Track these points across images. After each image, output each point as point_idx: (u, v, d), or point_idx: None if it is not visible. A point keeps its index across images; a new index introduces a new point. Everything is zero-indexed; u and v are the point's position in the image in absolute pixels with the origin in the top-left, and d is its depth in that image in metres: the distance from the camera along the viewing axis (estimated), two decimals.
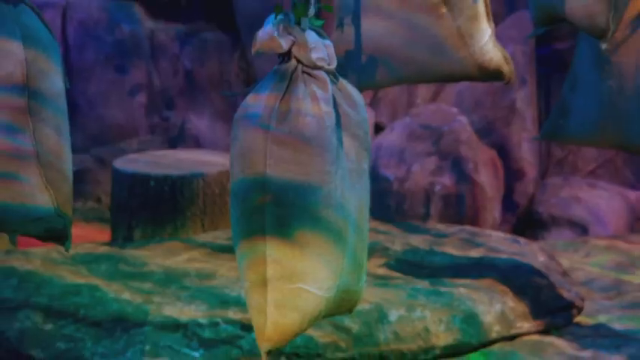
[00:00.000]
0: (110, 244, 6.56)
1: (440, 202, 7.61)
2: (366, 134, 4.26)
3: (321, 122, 4.19)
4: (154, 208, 6.62)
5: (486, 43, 5.57)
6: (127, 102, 8.28)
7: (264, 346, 4.10)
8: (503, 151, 7.78)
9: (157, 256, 6.13)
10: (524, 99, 7.97)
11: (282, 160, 4.16)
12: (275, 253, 4.21)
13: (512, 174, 7.79)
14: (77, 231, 7.72)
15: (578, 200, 7.61)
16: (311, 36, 4.22)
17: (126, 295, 5.56)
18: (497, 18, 7.67)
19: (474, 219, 7.64)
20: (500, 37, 7.93)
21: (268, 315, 4.20)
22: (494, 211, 7.86)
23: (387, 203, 7.60)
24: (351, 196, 4.34)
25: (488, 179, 7.81)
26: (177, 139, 8.30)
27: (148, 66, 8.32)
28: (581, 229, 7.68)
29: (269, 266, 4.20)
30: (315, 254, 4.24)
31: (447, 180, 7.52)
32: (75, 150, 8.08)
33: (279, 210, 4.19)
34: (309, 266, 4.25)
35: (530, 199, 7.77)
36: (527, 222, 7.80)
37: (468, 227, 7.10)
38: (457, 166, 7.70)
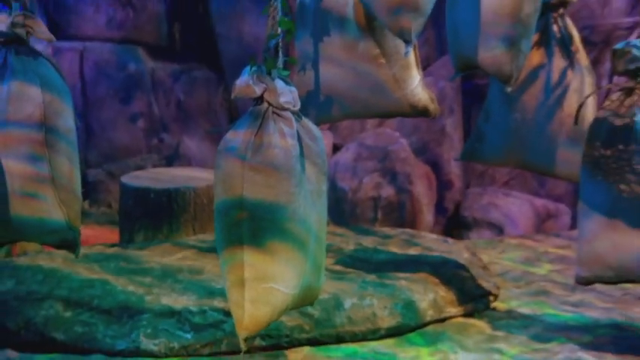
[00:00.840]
0: (117, 245, 6.54)
1: (385, 209, 7.55)
2: (323, 162, 4.52)
3: (288, 153, 4.28)
4: (153, 216, 6.61)
5: (416, 87, 5.52)
6: (131, 127, 8.30)
7: (242, 334, 4.32)
8: (436, 167, 7.78)
9: (156, 255, 6.12)
10: (452, 124, 7.96)
11: (256, 184, 4.24)
12: (250, 259, 4.28)
13: (442, 185, 7.79)
14: (93, 232, 7.79)
15: (495, 206, 7.65)
16: (279, 84, 4.31)
17: (130, 288, 5.54)
18: (430, 59, 7.54)
19: (412, 223, 7.61)
20: (433, 75, 8.06)
21: (245, 309, 4.30)
22: (428, 215, 7.86)
23: (343, 210, 7.61)
24: (312, 212, 4.44)
25: (423, 189, 7.81)
26: (173, 157, 8.31)
27: (149, 98, 8.35)
28: (498, 229, 7.71)
29: (246, 270, 4.29)
30: (283, 260, 4.32)
31: (390, 191, 7.48)
32: (90, 165, 8.28)
33: (253, 224, 4.27)
34: (278, 270, 4.32)
35: (457, 205, 7.78)
36: (454, 224, 7.81)
37: (407, 230, 7.14)
38: (398, 179, 7.68)
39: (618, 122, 5.09)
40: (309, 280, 4.41)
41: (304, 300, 4.58)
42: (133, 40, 8.29)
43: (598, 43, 8.23)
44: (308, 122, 4.38)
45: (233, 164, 4.22)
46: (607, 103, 5.17)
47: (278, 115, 4.19)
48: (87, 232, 7.74)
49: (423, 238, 6.76)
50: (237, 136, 4.23)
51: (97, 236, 7.58)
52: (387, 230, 7.09)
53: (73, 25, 8.17)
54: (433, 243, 6.61)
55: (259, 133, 4.18)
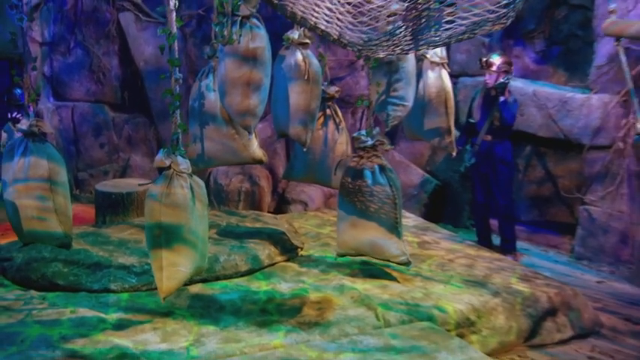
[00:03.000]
0: (94, 225, 6.34)
1: (244, 195, 7.29)
2: (206, 199, 4.33)
3: (185, 197, 4.18)
4: (114, 208, 6.34)
5: (255, 149, 5.40)
6: (101, 150, 8.02)
7: (161, 296, 4.27)
8: (272, 171, 7.51)
9: (115, 232, 5.96)
10: (281, 149, 7.73)
11: (167, 214, 4.15)
12: (165, 255, 4.21)
13: (275, 181, 7.55)
14: (82, 209, 7.86)
15: (303, 192, 7.40)
16: (179, 159, 4.21)
17: (101, 253, 5.43)
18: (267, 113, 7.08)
19: (259, 203, 7.36)
20: (268, 121, 7.35)
21: (163, 283, 4.24)
22: (268, 198, 7.58)
23: (220, 197, 7.36)
24: (199, 227, 4.32)
25: (265, 184, 7.53)
26: (125, 167, 8.03)
27: (110, 133, 8.07)
28: (305, 205, 7.46)
29: (163, 261, 4.22)
30: (183, 254, 4.24)
31: (247, 185, 7.27)
32: (80, 170, 8.19)
33: (166, 236, 4.18)
34: (180, 260, 4.24)
35: (283, 191, 7.55)
36: (282, 202, 7.55)
37: (255, 211, 6.89)
38: (252, 178, 7.43)
39: (358, 168, 5.10)
40: (198, 263, 4.33)
41: (196, 273, 4.48)
42: (101, 101, 7.98)
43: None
44: (196, 178, 4.28)
45: (154, 204, 4.16)
46: (355, 158, 5.16)
47: (179, 175, 4.12)
48: (78, 209, 7.56)
49: (263, 217, 6.58)
50: (157, 188, 4.16)
51: (84, 211, 7.35)
52: (244, 212, 6.84)
53: (67, 92, 7.88)
54: (268, 219, 6.43)
55: (168, 186, 4.12)
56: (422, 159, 7.74)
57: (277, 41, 4.82)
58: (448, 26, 2.79)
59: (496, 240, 6.77)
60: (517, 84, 6.87)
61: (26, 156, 4.49)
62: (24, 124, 4.52)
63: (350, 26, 2.61)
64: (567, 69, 7.01)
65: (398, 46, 2.72)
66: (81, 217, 7.03)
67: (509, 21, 2.82)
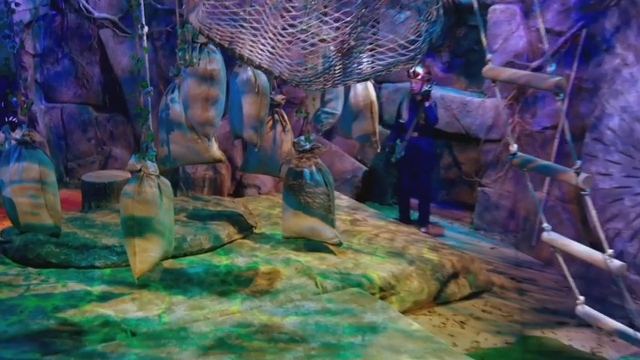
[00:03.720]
0: (81, 211, 6.18)
1: (208, 184, 7.11)
2: (172, 195, 4.30)
3: (154, 194, 4.11)
4: (98, 196, 6.21)
5: (215, 150, 5.31)
6: (87, 143, 7.84)
7: (135, 276, 4.23)
8: (232, 160, 7.17)
9: (99, 217, 5.83)
10: (239, 142, 7.16)
11: (138, 209, 4.08)
12: (137, 242, 4.18)
13: (234, 169, 7.27)
14: (71, 194, 7.95)
15: (257, 177, 7.14)
16: (149, 163, 4.14)
17: (87, 235, 5.33)
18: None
19: (221, 188, 7.18)
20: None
21: (136, 266, 4.21)
22: (228, 183, 7.34)
23: (188, 184, 7.01)
24: (166, 219, 4.23)
25: (226, 172, 7.26)
26: (108, 158, 7.85)
27: (95, 130, 7.88)
28: (259, 189, 7.36)
29: (136, 247, 4.19)
30: (153, 241, 4.20)
31: (211, 173, 7.01)
32: (69, 160, 7.84)
33: (139, 227, 4.14)
34: (150, 247, 4.20)
35: (241, 177, 7.37)
36: (240, 187, 7.39)
37: (217, 196, 6.78)
38: (214, 167, 6.95)
39: (298, 170, 5.07)
40: (166, 249, 4.31)
41: (164, 257, 4.46)
42: (86, 103, 7.78)
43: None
44: (163, 178, 4.22)
45: (127, 200, 4.11)
46: (294, 161, 5.13)
47: (149, 176, 4.08)
48: (68, 193, 7.21)
49: (224, 201, 6.47)
50: (130, 187, 4.11)
51: (73, 195, 7.05)
52: (207, 197, 6.73)
53: (57, 95, 7.66)
54: (228, 203, 6.33)
55: (140, 186, 4.07)
56: (354, 149, 7.74)
57: (233, 60, 4.78)
58: (371, 65, 2.82)
59: (414, 215, 6.87)
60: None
61: (20, 161, 4.42)
62: (18, 134, 4.41)
63: (288, 67, 2.61)
64: (467, 77, 7.08)
65: (329, 81, 2.73)
66: (70, 200, 6.80)
67: (418, 60, 2.87)
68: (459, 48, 7.13)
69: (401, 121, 6.68)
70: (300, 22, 2.53)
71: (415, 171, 6.66)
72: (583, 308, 3.57)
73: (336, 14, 2.54)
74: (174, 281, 4.87)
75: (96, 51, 7.45)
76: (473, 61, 6.89)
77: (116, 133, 7.68)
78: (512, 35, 6.17)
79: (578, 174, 3.29)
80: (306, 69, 2.62)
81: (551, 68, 3.30)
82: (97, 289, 4.71)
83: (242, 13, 2.50)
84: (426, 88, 6.34)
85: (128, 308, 4.46)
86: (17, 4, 4.37)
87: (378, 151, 5.92)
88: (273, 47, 2.54)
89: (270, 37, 2.55)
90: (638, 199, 5.18)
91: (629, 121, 5.22)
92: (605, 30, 5.45)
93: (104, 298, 4.59)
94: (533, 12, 5.91)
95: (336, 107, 5.35)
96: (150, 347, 4.00)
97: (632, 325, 3.42)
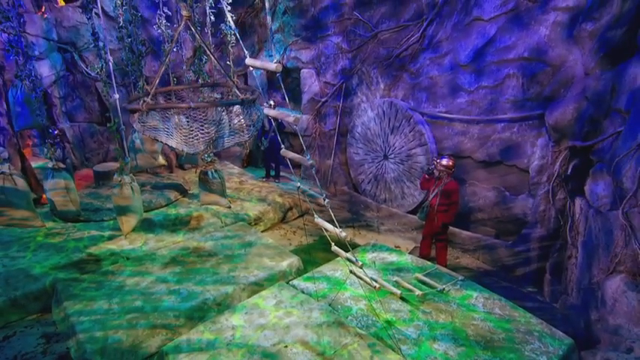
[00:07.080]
0: (94, 187, 5.66)
1: (164, 168, 6.12)
2: (139, 192, 4.00)
3: (130, 193, 3.95)
4: (103, 178, 5.76)
5: (160, 161, 5.13)
6: (94, 144, 7.17)
7: (123, 235, 4.06)
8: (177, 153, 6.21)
9: (104, 191, 5.41)
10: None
11: (121, 201, 3.95)
12: (124, 218, 4.11)
13: (179, 157, 6.35)
14: (87, 173, 6.16)
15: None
16: (125, 177, 3.98)
17: (97, 202, 4.96)
18: None
19: (171, 169, 6.31)
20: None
21: (124, 228, 4.07)
22: (175, 165, 6.42)
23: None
24: (137, 205, 4.03)
25: (174, 158, 6.42)
26: (107, 152, 7.20)
27: (98, 137, 7.15)
28: (195, 166, 6.40)
29: (123, 219, 4.20)
30: (131, 216, 4.09)
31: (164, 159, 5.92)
32: (87, 153, 7.17)
33: (122, 210, 4.00)
34: (130, 219, 4.08)
35: (182, 165, 6.35)
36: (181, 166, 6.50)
37: (169, 174, 6.11)
38: (167, 156, 6.08)
39: (205, 171, 4.63)
40: (138, 219, 4.15)
41: (138, 222, 4.22)
42: (91, 121, 7.11)
43: None
44: (135, 183, 3.98)
45: (115, 197, 3.96)
46: (203, 165, 4.67)
47: (125, 184, 3.95)
48: (85, 172, 6.53)
49: (171, 176, 5.91)
50: (116, 190, 3.96)
51: (88, 174, 6.39)
52: (163, 174, 6.08)
53: (75, 118, 6.92)
54: (174, 177, 5.86)
55: (121, 189, 3.96)
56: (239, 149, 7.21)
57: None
58: (232, 139, 2.94)
59: (272, 173, 6.44)
60: (273, 111, 6.63)
61: (53, 178, 4.23)
62: (50, 164, 4.14)
63: (186, 147, 2.79)
64: (294, 102, 6.97)
65: (209, 149, 2.82)
66: (88, 176, 6.29)
67: (251, 138, 2.92)
68: (290, 85, 7.05)
69: (265, 128, 6.41)
70: (191, 129, 2.79)
71: (272, 151, 6.29)
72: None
73: (207, 125, 2.92)
74: (148, 226, 4.63)
75: (94, 93, 7.04)
76: (297, 93, 6.89)
77: (109, 138, 7.27)
78: (313, 84, 6.08)
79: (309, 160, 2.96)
80: (195, 146, 2.89)
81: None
82: (106, 233, 4.44)
83: (160, 127, 2.81)
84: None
85: (124, 243, 4.35)
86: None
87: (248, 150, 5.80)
88: (177, 139, 2.88)
89: (176, 135, 2.86)
90: (370, 165, 5.31)
91: (364, 129, 5.33)
92: (353, 84, 5.51)
93: (111, 238, 4.36)
94: (321, 73, 5.96)
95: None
96: (136, 265, 4.01)
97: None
